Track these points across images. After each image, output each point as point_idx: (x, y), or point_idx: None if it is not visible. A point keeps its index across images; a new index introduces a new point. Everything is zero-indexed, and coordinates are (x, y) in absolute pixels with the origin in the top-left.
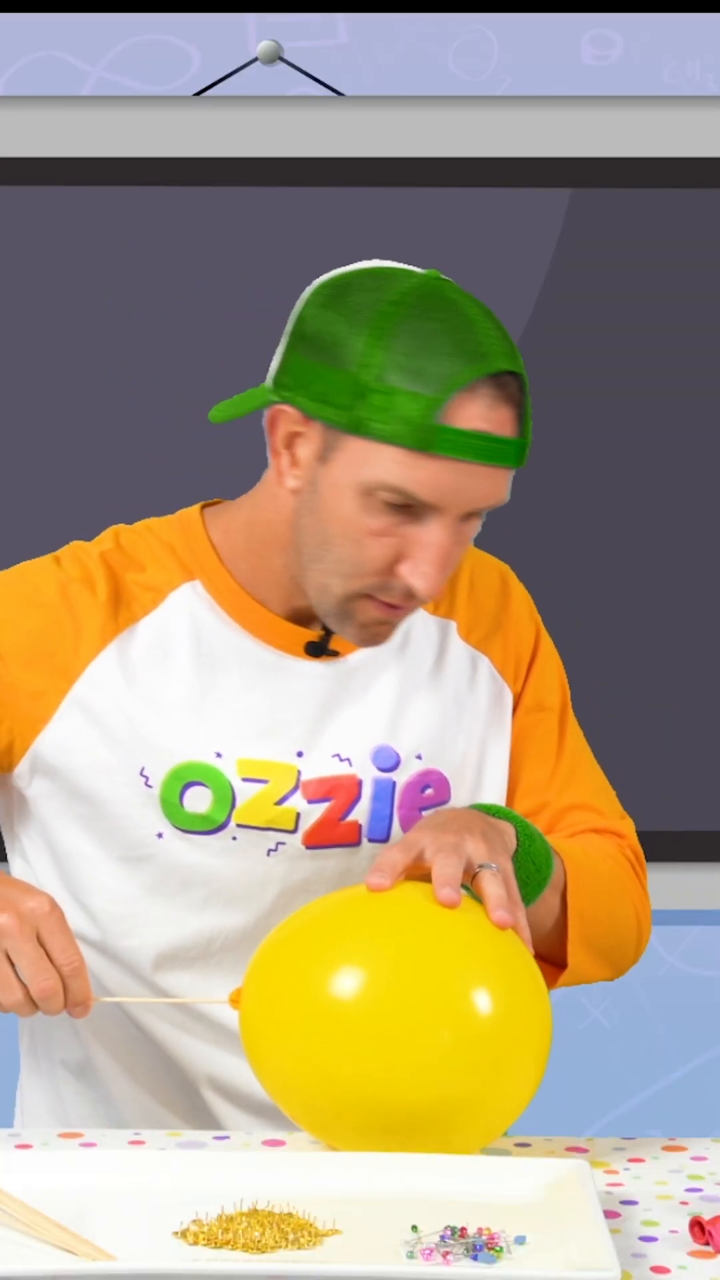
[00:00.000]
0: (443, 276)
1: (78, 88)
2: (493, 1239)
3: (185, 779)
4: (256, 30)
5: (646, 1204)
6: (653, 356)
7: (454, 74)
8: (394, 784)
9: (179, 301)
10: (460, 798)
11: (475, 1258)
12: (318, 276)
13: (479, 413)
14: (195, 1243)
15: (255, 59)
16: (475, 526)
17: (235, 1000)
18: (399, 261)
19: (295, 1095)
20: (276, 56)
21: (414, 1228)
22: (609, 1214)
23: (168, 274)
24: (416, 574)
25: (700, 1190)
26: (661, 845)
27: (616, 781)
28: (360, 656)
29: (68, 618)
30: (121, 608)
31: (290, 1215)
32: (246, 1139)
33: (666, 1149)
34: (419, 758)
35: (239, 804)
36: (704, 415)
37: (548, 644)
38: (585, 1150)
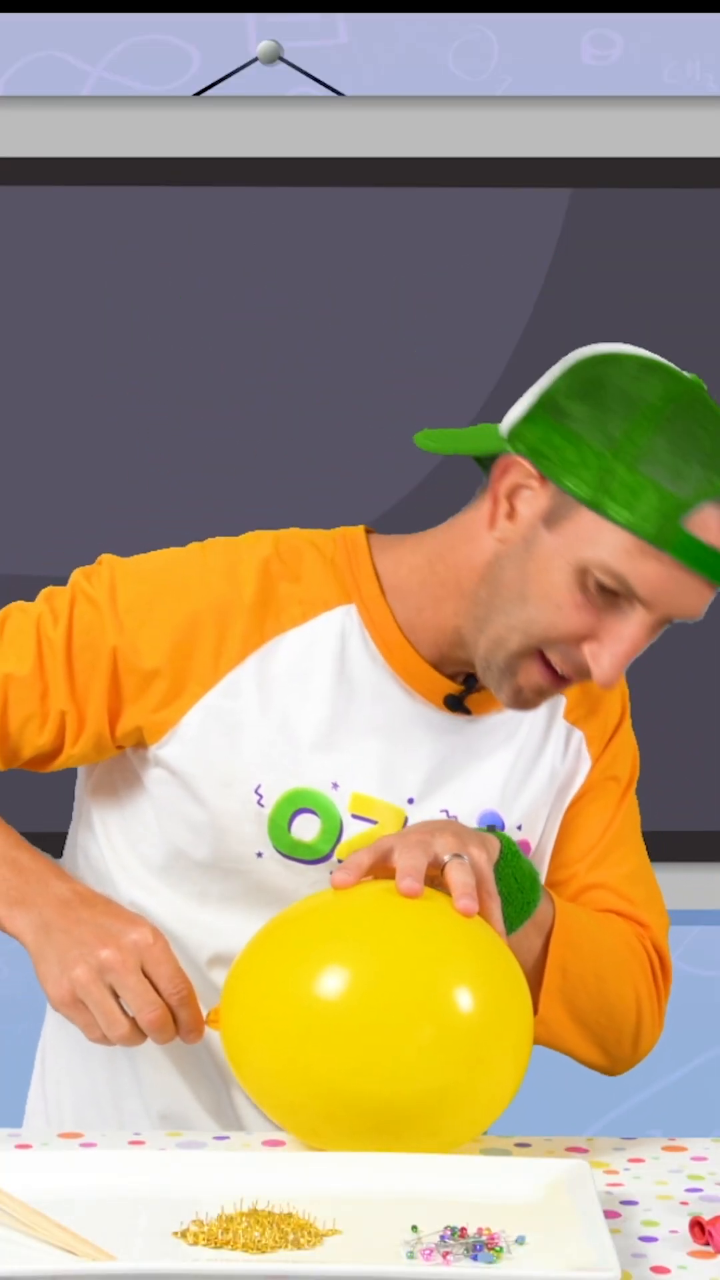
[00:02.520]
0: (705, 387)
1: (78, 88)
2: (493, 1239)
3: (298, 804)
4: (256, 30)
5: (646, 1204)
6: None
7: (454, 74)
8: None
9: (179, 301)
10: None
11: (475, 1258)
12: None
13: (717, 527)
14: (195, 1243)
15: (255, 59)
16: (658, 634)
17: (214, 1020)
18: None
19: (280, 1098)
20: (276, 56)
21: (414, 1228)
22: (609, 1214)
23: (168, 274)
24: (599, 660)
25: (700, 1190)
26: (661, 845)
27: None
28: (488, 720)
29: (212, 620)
30: (269, 617)
31: (290, 1215)
32: (246, 1139)
33: (666, 1149)
34: (519, 828)
35: (344, 839)
36: None
37: (628, 729)
38: (585, 1150)
